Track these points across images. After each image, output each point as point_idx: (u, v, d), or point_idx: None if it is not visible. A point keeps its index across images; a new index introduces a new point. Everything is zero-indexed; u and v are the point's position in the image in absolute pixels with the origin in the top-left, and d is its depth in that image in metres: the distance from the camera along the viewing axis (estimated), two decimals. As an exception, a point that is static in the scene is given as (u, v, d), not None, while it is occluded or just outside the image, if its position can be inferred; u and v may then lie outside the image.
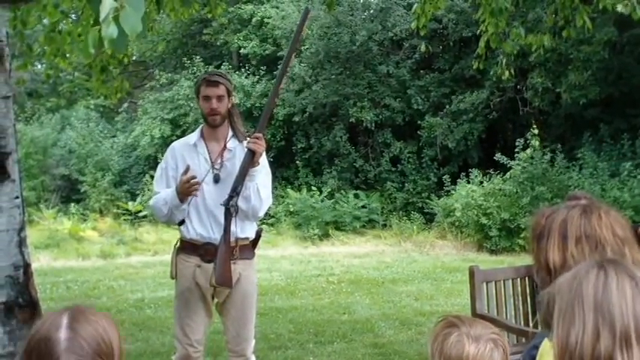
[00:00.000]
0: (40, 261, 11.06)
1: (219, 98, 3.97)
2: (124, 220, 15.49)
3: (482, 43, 7.26)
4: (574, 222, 1.80)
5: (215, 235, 3.93)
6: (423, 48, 8.59)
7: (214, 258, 3.89)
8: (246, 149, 3.87)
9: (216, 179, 3.97)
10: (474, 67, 7.79)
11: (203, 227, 3.96)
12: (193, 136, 4.12)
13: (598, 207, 1.84)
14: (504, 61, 7.68)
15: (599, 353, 1.32)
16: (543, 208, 1.79)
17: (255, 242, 4.09)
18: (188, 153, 4.03)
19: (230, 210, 3.85)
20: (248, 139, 3.94)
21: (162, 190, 4.02)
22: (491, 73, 11.77)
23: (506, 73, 7.66)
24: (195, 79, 13.45)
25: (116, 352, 1.60)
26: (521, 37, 7.20)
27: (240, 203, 3.87)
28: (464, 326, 1.93)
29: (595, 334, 1.33)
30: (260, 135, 3.86)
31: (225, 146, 4.01)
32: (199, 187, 3.87)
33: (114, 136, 19.91)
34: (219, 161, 3.99)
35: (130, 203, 16.17)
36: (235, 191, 3.84)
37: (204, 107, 4.00)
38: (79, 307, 1.64)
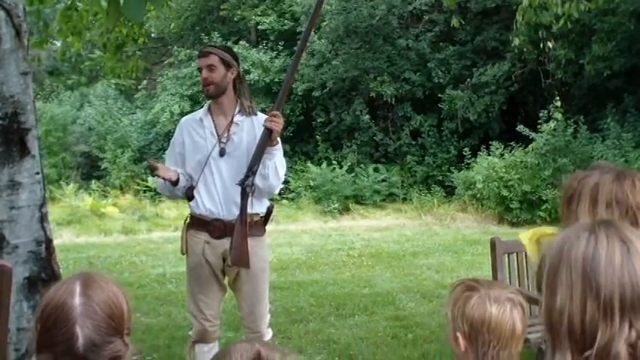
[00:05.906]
0: (62, 237, 11.13)
1: (210, 67, 3.91)
2: (145, 196, 15.55)
3: (519, 17, 7.15)
4: (606, 187, 1.77)
5: (224, 212, 3.88)
6: (455, 23, 8.40)
7: (223, 234, 3.86)
8: (263, 127, 3.79)
9: (222, 153, 3.90)
10: (516, 43, 7.67)
11: (212, 203, 3.90)
12: (201, 111, 4.07)
13: (632, 174, 1.80)
14: (543, 33, 7.55)
15: (584, 323, 1.26)
16: (577, 172, 1.75)
17: (266, 219, 4.01)
18: (195, 128, 3.99)
19: (246, 190, 3.79)
20: (265, 116, 3.86)
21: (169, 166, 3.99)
22: (513, 44, 11.64)
23: (549, 44, 7.52)
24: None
25: (126, 314, 1.68)
26: (558, 7, 7.06)
27: (258, 181, 3.81)
28: (483, 288, 1.98)
29: (582, 303, 1.26)
30: (277, 113, 3.78)
31: (232, 120, 3.95)
32: (168, 171, 3.81)
33: (133, 113, 19.94)
34: (225, 135, 3.93)
35: (150, 179, 16.17)
36: (251, 170, 3.78)
37: (201, 79, 4.01)
38: (89, 274, 1.71)
